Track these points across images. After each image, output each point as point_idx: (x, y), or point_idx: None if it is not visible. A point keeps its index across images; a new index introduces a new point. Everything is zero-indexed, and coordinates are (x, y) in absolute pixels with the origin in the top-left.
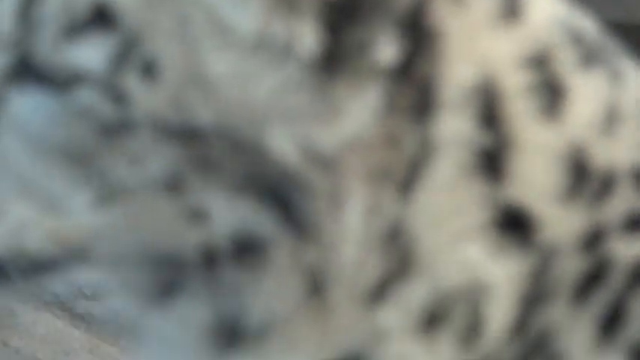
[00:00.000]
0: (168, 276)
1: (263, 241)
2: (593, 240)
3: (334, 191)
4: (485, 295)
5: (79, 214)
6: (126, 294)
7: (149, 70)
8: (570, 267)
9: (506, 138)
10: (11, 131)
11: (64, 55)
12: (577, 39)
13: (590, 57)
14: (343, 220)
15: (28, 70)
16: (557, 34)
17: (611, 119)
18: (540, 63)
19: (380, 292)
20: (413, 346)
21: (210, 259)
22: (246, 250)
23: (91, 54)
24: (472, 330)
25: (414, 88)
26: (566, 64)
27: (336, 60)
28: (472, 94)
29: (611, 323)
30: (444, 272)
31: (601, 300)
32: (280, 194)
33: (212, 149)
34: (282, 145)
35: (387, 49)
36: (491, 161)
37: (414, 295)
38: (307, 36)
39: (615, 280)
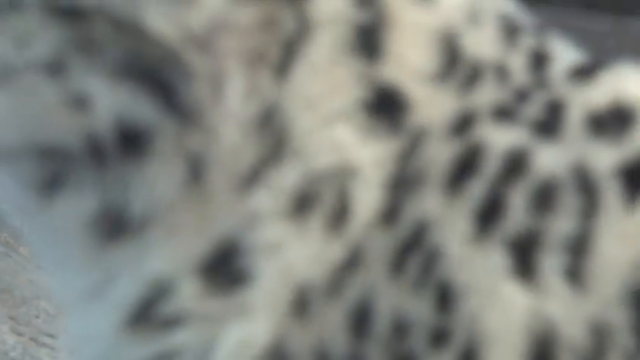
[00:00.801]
0: (53, 167)
1: (146, 128)
2: (463, 124)
3: (213, 73)
4: (353, 178)
5: None
6: (13, 186)
7: None
8: (440, 152)
9: (383, 15)
10: None
11: None
12: None
13: None
14: (223, 102)
15: None
16: None
17: (476, 13)
18: None
19: (254, 176)
20: (284, 230)
21: (95, 149)
22: (131, 138)
23: None
24: (341, 213)
25: None
26: None
27: None
28: None
29: (488, 215)
30: (314, 155)
31: (476, 190)
32: (161, 78)
33: (95, 30)
34: (159, 24)
35: None
36: (368, 38)
37: (286, 178)
38: None
39: (489, 170)
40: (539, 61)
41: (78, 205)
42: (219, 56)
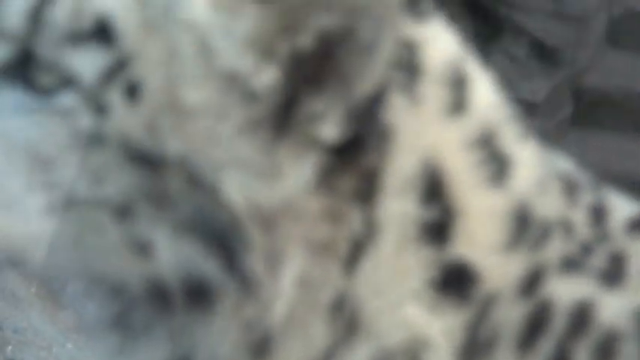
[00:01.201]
0: (119, 305)
1: (210, 285)
2: (533, 283)
3: (272, 251)
4: (425, 350)
5: (29, 217)
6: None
7: (132, 92)
8: (512, 313)
9: (451, 210)
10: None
11: (61, 58)
12: (513, 117)
13: (524, 132)
14: (278, 281)
15: (21, 67)
16: (497, 115)
17: (544, 181)
18: (485, 142)
19: (328, 357)
20: None
21: (158, 295)
22: (196, 292)
23: (85, 62)
24: None
25: (359, 175)
26: (508, 139)
27: (287, 120)
28: (416, 181)
29: None
30: (386, 333)
31: (546, 347)
32: (226, 243)
33: (169, 183)
34: (232, 190)
35: (332, 128)
36: (436, 230)
37: (360, 357)
38: (272, 82)
39: (557, 326)
40: (598, 215)
41: (150, 351)
42: (281, 238)
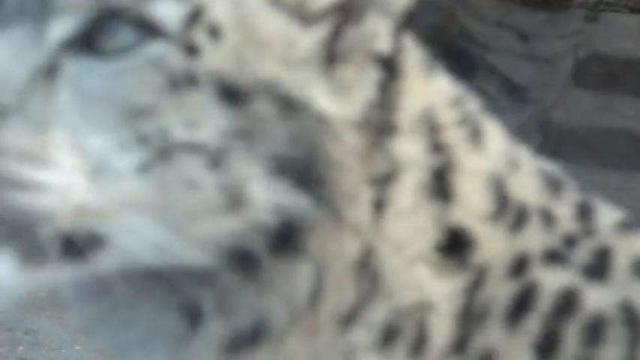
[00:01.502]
0: (190, 292)
1: (301, 228)
2: (519, 267)
3: (344, 190)
4: (430, 312)
5: (120, 181)
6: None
7: (215, 32)
8: (501, 290)
9: (451, 161)
10: (70, 88)
11: (145, 12)
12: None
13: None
14: (354, 213)
15: (95, 31)
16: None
17: (515, 161)
18: (458, 103)
19: (353, 315)
20: None
21: (243, 260)
22: (283, 240)
23: (169, 11)
24: (420, 343)
25: (384, 109)
26: (475, 108)
27: (347, 39)
28: (422, 125)
29: (545, 348)
30: (400, 293)
31: (533, 325)
32: (313, 173)
33: (261, 113)
34: (322, 101)
35: (386, 43)
36: (441, 183)
37: (377, 315)
38: (331, 5)
39: (545, 305)
40: (584, 212)
41: (220, 331)
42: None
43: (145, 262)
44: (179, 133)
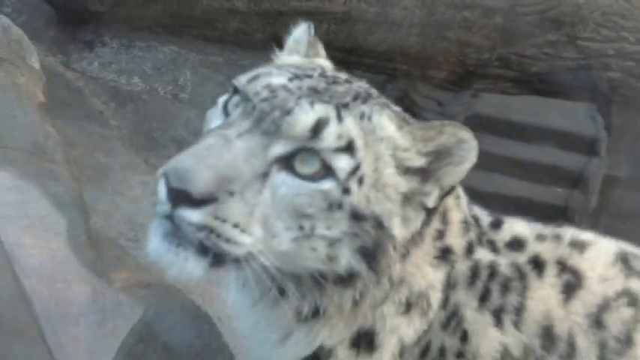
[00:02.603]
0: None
1: (357, 276)
2: (468, 252)
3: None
4: (433, 290)
5: (283, 241)
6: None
7: (361, 180)
8: (462, 266)
9: (446, 224)
10: (271, 190)
11: (329, 160)
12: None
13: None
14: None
15: (292, 159)
16: None
17: (462, 200)
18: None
19: (383, 300)
20: (400, 321)
21: (322, 282)
22: (345, 280)
23: (343, 164)
24: (427, 308)
25: (422, 237)
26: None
27: (416, 195)
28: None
29: (483, 299)
30: (416, 282)
31: (479, 285)
32: (376, 256)
33: (365, 227)
34: (395, 228)
35: (433, 201)
36: (441, 236)
37: (401, 296)
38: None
39: (483, 275)
40: (476, 221)
41: (294, 306)
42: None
43: (269, 269)
44: (321, 230)
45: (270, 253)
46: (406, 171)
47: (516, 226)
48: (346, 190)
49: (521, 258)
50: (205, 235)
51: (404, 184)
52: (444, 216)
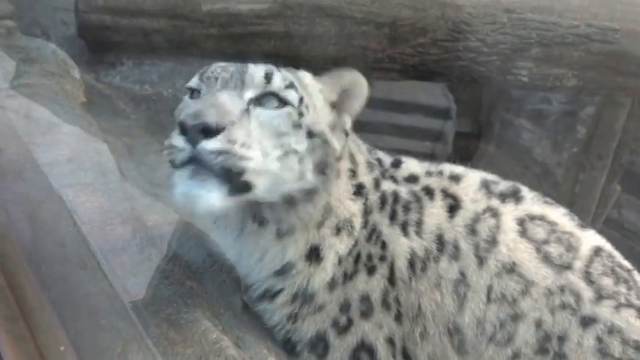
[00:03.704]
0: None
1: (316, 191)
2: (376, 186)
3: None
4: (354, 216)
5: (272, 160)
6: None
7: (307, 107)
8: (374, 197)
9: (356, 164)
10: (255, 119)
11: (283, 94)
12: None
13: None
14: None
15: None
16: None
17: (371, 149)
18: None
19: (322, 222)
20: (335, 239)
21: (291, 201)
22: (308, 194)
23: (293, 95)
24: (352, 230)
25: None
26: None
27: None
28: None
29: (392, 218)
30: (341, 212)
31: (388, 208)
32: (327, 168)
33: (317, 143)
34: (331, 139)
35: None
36: (353, 172)
37: (333, 222)
38: None
39: (390, 200)
40: (395, 163)
41: (273, 228)
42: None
43: (263, 199)
44: (294, 145)
45: (267, 181)
46: (330, 104)
47: (411, 165)
48: (301, 114)
49: (416, 187)
50: (224, 158)
51: (329, 112)
52: (352, 158)
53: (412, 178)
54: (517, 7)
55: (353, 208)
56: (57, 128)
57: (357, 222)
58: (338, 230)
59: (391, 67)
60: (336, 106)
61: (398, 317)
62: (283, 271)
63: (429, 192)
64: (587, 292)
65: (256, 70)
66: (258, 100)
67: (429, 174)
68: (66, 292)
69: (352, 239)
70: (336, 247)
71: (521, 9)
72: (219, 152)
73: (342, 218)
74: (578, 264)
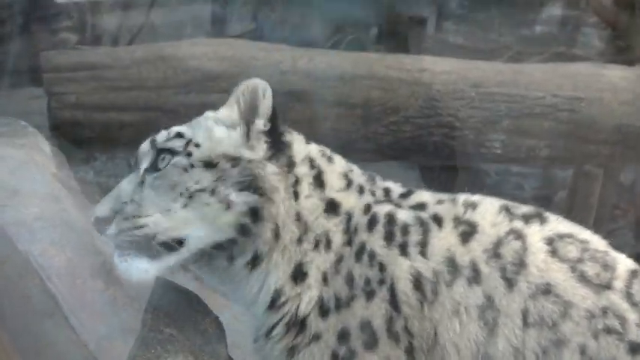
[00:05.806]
0: (228, 251)
1: (257, 208)
2: (367, 209)
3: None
4: (331, 232)
5: (177, 211)
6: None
7: (197, 144)
8: (362, 219)
9: (321, 170)
10: (149, 186)
11: (168, 145)
12: None
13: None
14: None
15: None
16: None
17: (350, 167)
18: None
19: (300, 238)
20: (315, 254)
21: (243, 229)
22: (254, 215)
23: (177, 144)
24: (330, 244)
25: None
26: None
27: None
28: (305, 161)
29: (388, 239)
30: (316, 229)
31: (380, 229)
32: (254, 185)
33: (224, 168)
34: (245, 152)
35: None
36: (320, 180)
37: (312, 237)
38: None
39: (382, 222)
40: (406, 193)
41: (243, 261)
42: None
43: (202, 246)
44: (194, 186)
45: (191, 229)
46: (232, 124)
47: (422, 195)
48: (189, 154)
49: (424, 214)
50: (125, 234)
51: (238, 130)
52: (313, 163)
53: (420, 206)
54: (483, 81)
55: (327, 224)
56: (25, 191)
57: (336, 237)
58: (316, 244)
59: (366, 148)
60: (244, 118)
61: (409, 350)
62: (274, 302)
63: (436, 219)
64: (631, 315)
65: (145, 142)
66: (154, 166)
67: (439, 202)
68: (32, 342)
69: (332, 253)
70: (316, 262)
71: (487, 84)
72: (119, 232)
73: (318, 233)
74: (619, 284)
